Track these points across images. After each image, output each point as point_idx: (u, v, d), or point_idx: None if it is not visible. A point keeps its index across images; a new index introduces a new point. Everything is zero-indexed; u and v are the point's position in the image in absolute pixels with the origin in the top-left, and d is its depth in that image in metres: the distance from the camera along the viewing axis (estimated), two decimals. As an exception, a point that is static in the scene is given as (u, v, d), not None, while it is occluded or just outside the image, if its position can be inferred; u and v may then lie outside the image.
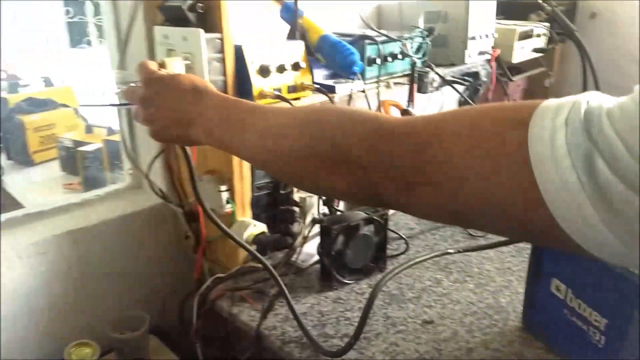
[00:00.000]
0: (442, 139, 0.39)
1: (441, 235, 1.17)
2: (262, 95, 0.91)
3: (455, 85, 1.40)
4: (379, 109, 1.60)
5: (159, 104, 0.67)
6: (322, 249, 0.98)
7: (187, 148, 0.87)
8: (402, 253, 1.09)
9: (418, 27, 1.27)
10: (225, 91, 0.89)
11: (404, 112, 1.59)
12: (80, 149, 3.59)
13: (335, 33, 1.19)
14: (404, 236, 1.14)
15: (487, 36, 1.44)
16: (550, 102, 0.34)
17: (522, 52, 1.60)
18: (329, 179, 0.47)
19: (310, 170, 0.48)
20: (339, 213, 1.10)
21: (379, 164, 0.42)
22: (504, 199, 0.35)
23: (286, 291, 0.84)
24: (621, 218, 0.30)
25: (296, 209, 1.09)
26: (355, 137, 0.44)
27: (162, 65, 0.79)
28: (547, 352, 0.78)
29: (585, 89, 1.81)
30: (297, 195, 1.10)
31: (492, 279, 0.97)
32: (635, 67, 1.90)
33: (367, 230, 1.00)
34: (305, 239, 1.04)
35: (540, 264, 0.80)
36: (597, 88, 1.75)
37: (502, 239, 1.00)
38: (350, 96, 1.04)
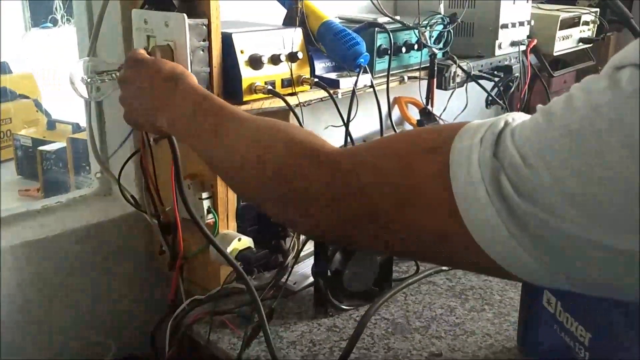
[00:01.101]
0: (371, 166, 0.49)
1: (460, 257, 1.23)
2: (253, 90, 0.98)
3: (483, 82, 1.46)
4: (391, 106, 1.67)
5: (133, 85, 0.81)
6: (317, 269, 1.04)
7: (176, 144, 0.95)
8: (412, 276, 1.14)
9: (438, 13, 1.34)
10: (210, 84, 0.96)
11: (423, 111, 1.66)
12: (40, 148, 3.70)
13: (340, 19, 1.27)
14: (414, 257, 1.20)
15: (522, 23, 1.50)
16: (472, 124, 0.42)
17: (565, 43, 1.66)
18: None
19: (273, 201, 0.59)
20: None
21: (320, 195, 0.53)
22: (428, 224, 0.44)
23: (264, 317, 0.91)
24: (525, 230, 0.37)
25: (290, 222, 1.16)
26: (293, 159, 0.56)
27: (152, 52, 0.89)
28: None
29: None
30: (292, 206, 1.17)
31: (515, 308, 1.02)
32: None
33: (371, 248, 1.06)
34: (298, 257, 1.11)
35: None
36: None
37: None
38: (353, 92, 1.10)
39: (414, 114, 1.68)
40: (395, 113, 1.71)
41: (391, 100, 1.69)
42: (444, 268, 1.03)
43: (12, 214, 1.14)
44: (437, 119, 1.67)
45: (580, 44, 1.73)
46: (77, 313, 1.15)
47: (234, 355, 0.92)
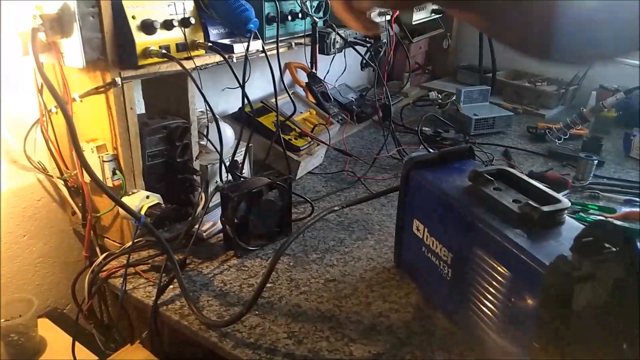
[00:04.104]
0: None
1: (345, 196, 1.18)
2: (147, 54, 0.83)
3: (357, 48, 1.38)
4: (283, 71, 1.55)
5: None
6: (224, 217, 0.94)
7: (69, 111, 0.78)
8: (308, 216, 1.08)
9: (316, -16, 1.22)
10: (103, 49, 0.79)
11: (310, 74, 1.56)
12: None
13: (230, -13, 1.12)
14: (309, 199, 1.13)
15: (387, -4, 1.43)
16: None
17: (421, 14, 1.62)
18: None
19: None
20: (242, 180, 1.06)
21: None
22: None
23: (177, 265, 0.80)
24: None
25: (196, 177, 1.03)
26: None
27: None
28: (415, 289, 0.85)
29: (481, 50, 1.89)
30: (197, 163, 1.04)
31: (391, 235, 0.98)
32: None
33: (271, 195, 0.97)
34: (207, 208, 1.00)
35: (405, 207, 0.84)
36: (492, 49, 1.83)
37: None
38: (246, 56, 0.97)
39: (303, 77, 1.58)
40: (288, 76, 1.60)
41: (283, 65, 1.58)
42: (335, 208, 0.96)
43: None
44: (322, 81, 1.58)
45: (433, 14, 1.70)
46: (4, 275, 0.96)
47: (150, 303, 0.80)
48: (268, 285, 0.85)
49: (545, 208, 0.63)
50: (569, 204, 0.64)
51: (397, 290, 0.84)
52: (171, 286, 0.83)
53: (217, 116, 1.18)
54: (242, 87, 0.98)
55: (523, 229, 0.63)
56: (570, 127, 1.46)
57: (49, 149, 0.91)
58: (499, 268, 0.63)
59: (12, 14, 0.81)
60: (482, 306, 0.67)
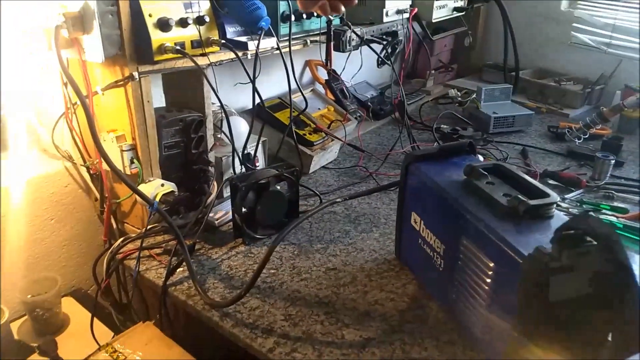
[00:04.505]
0: None
1: (356, 191, 1.20)
2: (163, 50, 0.88)
3: (373, 45, 1.40)
4: (304, 68, 1.59)
5: None
6: (233, 206, 0.98)
7: (88, 104, 0.84)
8: (315, 208, 1.11)
9: (333, -17, 1.25)
10: (122, 45, 0.85)
11: (330, 72, 1.59)
12: None
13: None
14: (317, 192, 1.17)
15: (405, -6, 1.44)
16: None
17: (442, 12, 1.62)
18: None
19: None
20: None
21: None
22: None
23: (186, 249, 0.85)
24: None
25: (211, 168, 1.08)
26: None
27: None
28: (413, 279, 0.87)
29: (506, 48, 1.87)
30: (212, 154, 1.09)
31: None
32: (547, 25, 1.98)
33: (279, 187, 1.01)
34: (221, 198, 1.04)
35: (405, 201, 0.86)
36: (515, 47, 1.81)
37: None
38: (256, 53, 1.01)
39: (323, 74, 1.61)
40: (308, 74, 1.63)
41: (303, 63, 1.62)
42: (337, 200, 0.99)
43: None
44: (340, 78, 1.61)
45: (455, 12, 1.69)
46: (30, 255, 1.04)
47: (160, 283, 0.86)
48: (271, 271, 0.89)
49: (532, 202, 0.64)
50: (557, 199, 0.65)
51: (395, 280, 0.87)
52: (181, 269, 0.88)
53: (234, 111, 1.24)
54: (253, 82, 1.02)
55: (511, 222, 0.64)
56: (589, 127, 1.44)
57: (74, 139, 0.98)
58: (483, 259, 0.64)
59: (40, 12, 0.88)
60: (469, 296, 0.69)
